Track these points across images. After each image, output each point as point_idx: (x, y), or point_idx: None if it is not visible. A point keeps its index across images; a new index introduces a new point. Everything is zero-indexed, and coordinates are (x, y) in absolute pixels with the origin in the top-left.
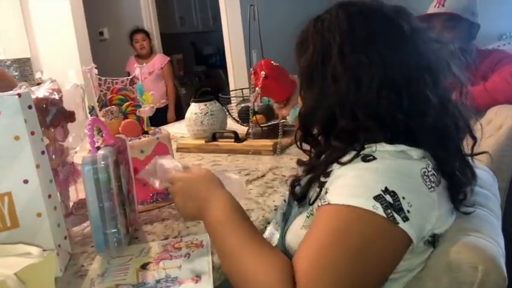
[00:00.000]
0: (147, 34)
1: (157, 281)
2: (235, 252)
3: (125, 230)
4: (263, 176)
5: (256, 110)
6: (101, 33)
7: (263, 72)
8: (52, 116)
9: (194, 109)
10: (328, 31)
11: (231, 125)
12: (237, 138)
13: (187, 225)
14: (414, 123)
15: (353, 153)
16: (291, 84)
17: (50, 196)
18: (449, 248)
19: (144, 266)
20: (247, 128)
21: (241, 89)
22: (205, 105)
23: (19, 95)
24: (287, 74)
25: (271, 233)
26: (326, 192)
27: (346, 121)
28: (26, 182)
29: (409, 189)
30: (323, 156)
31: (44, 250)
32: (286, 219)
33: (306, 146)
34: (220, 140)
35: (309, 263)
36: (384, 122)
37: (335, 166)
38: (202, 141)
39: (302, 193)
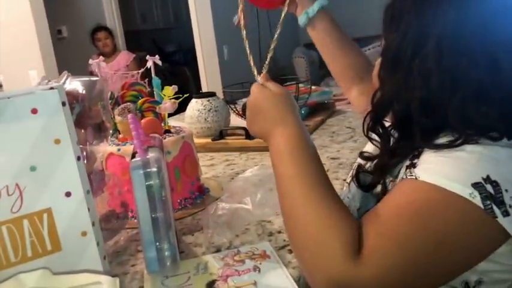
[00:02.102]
0: (109, 32)
1: None
2: (293, 192)
3: (176, 243)
4: None
5: None
6: (59, 32)
7: None
8: (76, 114)
9: (196, 106)
10: (430, 14)
11: (234, 121)
12: (248, 135)
13: (236, 234)
14: None
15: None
16: None
17: (88, 210)
18: None
19: (210, 286)
20: None
21: (242, 83)
22: (208, 100)
23: (52, 88)
24: None
25: None
26: (414, 167)
27: (431, 120)
28: (68, 195)
29: None
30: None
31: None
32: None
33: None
34: (228, 137)
35: (380, 234)
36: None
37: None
38: (208, 140)
39: (373, 182)
